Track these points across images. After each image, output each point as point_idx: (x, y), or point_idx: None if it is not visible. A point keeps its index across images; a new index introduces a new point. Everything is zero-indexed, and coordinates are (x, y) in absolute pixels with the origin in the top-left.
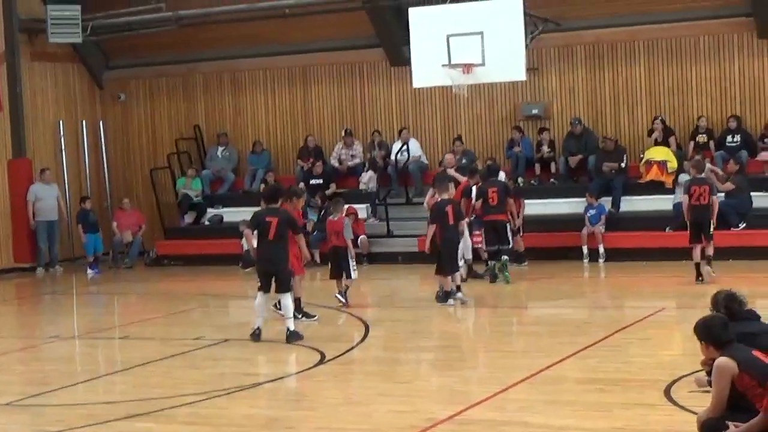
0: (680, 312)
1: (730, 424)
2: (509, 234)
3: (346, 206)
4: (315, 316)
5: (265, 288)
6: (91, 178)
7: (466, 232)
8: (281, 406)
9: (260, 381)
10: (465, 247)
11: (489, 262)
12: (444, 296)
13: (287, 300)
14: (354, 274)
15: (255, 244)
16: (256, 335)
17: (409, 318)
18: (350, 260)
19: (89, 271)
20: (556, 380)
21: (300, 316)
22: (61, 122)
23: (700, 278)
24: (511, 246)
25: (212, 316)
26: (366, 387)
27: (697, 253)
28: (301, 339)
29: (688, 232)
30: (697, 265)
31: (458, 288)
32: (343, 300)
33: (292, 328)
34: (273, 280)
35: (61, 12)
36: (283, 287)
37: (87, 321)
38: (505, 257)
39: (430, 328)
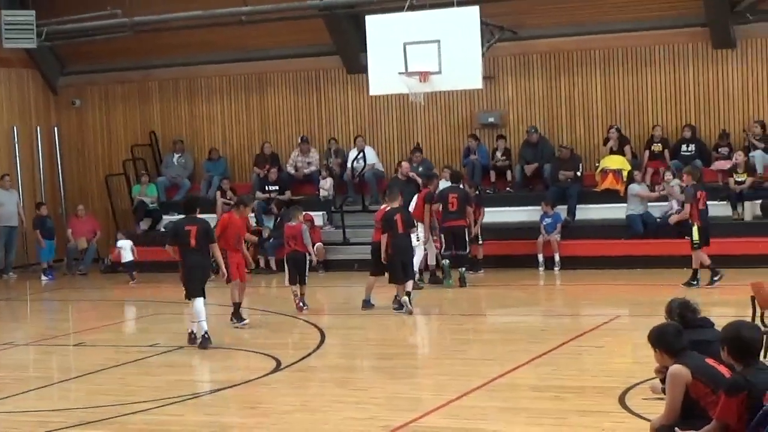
0: (634, 320)
1: (677, 430)
2: (467, 240)
3: (303, 213)
4: (245, 320)
5: (187, 294)
6: (46, 184)
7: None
8: (236, 413)
9: (215, 388)
10: (429, 253)
11: (444, 267)
12: (399, 304)
13: (199, 304)
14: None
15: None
16: (191, 339)
17: (364, 325)
18: (307, 266)
19: (44, 277)
20: (512, 387)
21: (236, 321)
22: (15, 128)
23: (719, 276)
24: (468, 252)
25: (167, 323)
26: (322, 394)
27: (706, 257)
28: (210, 344)
29: (697, 236)
30: (713, 269)
31: (408, 294)
32: (304, 305)
33: (204, 329)
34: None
35: (15, 17)
36: (194, 290)
37: (41, 328)
38: (465, 265)
39: (385, 335)
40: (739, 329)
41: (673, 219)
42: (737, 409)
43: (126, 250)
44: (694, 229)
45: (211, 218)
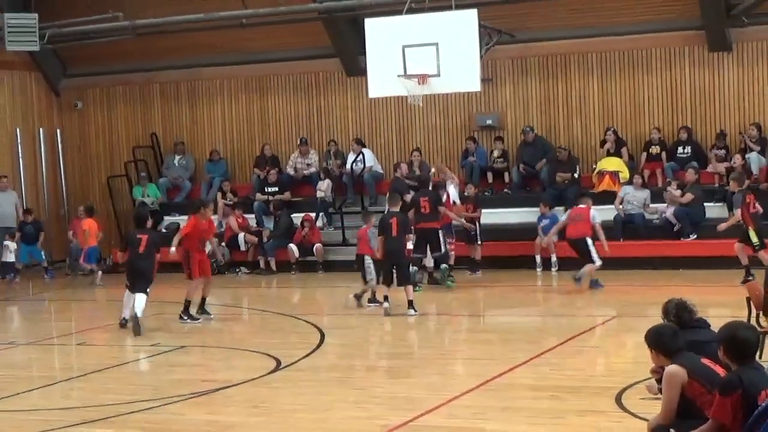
0: (631, 320)
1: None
2: (442, 241)
3: (373, 218)
4: (198, 319)
5: (131, 288)
6: (48, 185)
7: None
8: (237, 413)
9: (216, 387)
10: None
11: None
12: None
13: (141, 300)
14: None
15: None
16: (122, 324)
17: (364, 325)
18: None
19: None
20: (509, 387)
21: (186, 318)
22: (18, 130)
23: None
24: (443, 252)
25: (169, 323)
26: (321, 393)
27: None
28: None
29: (756, 239)
30: None
31: (410, 303)
32: (376, 303)
33: (139, 315)
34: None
35: (18, 20)
36: (141, 288)
37: (43, 327)
38: (444, 265)
39: (384, 335)
40: (735, 330)
41: (721, 227)
42: (732, 409)
43: (10, 251)
44: (751, 232)
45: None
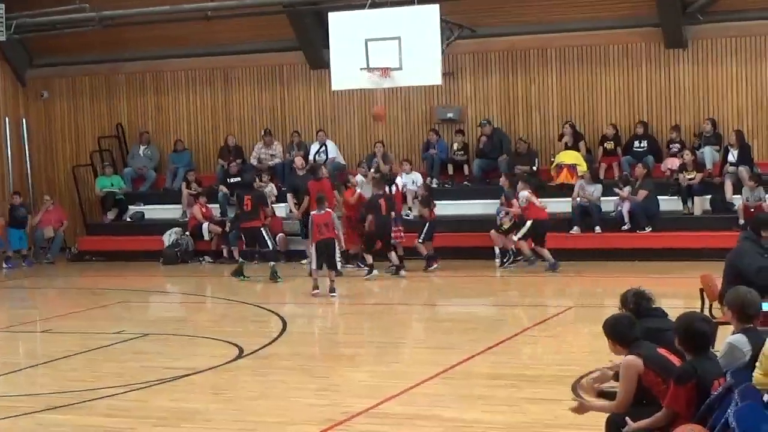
0: (587, 310)
1: (627, 420)
2: (266, 238)
3: (326, 202)
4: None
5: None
6: (14, 175)
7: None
8: (200, 399)
9: (179, 374)
10: None
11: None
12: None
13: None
14: (339, 266)
15: None
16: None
17: (325, 314)
18: (337, 252)
19: (4, 265)
20: (468, 375)
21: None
22: None
23: None
24: (271, 248)
25: (133, 310)
26: (283, 381)
27: None
28: None
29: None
30: None
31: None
32: (335, 294)
33: None
34: None
35: None
36: None
37: (8, 315)
38: (272, 262)
39: (346, 324)
40: (691, 321)
41: None
42: (686, 397)
43: None
44: None
45: (176, 209)
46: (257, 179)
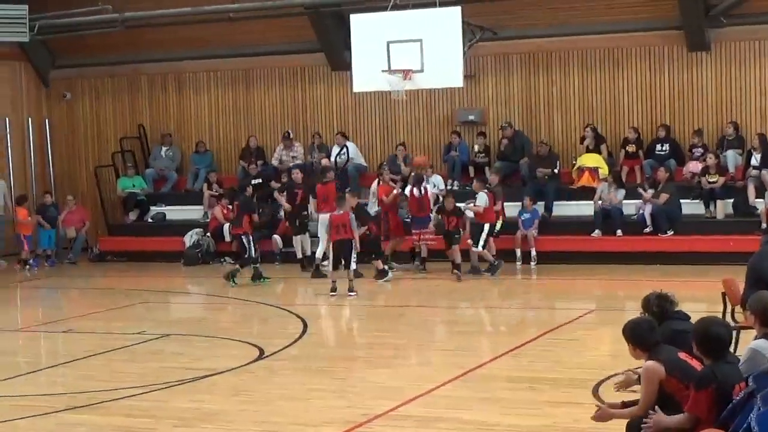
0: (608, 314)
1: (657, 409)
2: (245, 243)
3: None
4: None
5: None
6: (37, 175)
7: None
8: (220, 400)
9: (200, 375)
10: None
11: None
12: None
13: None
14: (354, 266)
15: None
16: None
17: (345, 316)
18: (353, 253)
19: (27, 265)
20: (488, 378)
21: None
22: (7, 119)
23: None
24: (247, 255)
25: (154, 311)
26: (303, 382)
27: None
28: None
29: None
30: None
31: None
32: (353, 294)
33: None
34: None
35: (8, 11)
36: None
37: (30, 314)
38: (237, 267)
39: (366, 325)
40: (708, 326)
41: None
42: (707, 402)
43: None
44: None
45: (198, 210)
46: (274, 181)
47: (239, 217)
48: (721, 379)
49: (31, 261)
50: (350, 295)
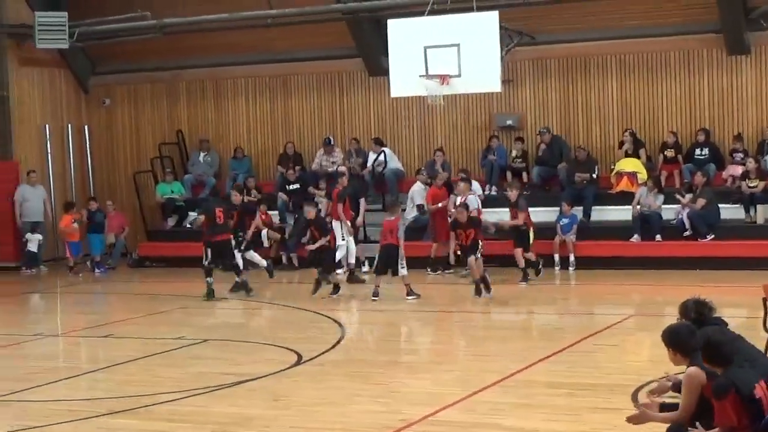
0: (647, 319)
1: (697, 424)
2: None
3: (401, 208)
4: None
5: None
6: (76, 180)
7: (351, 238)
8: (259, 405)
9: (239, 380)
10: (349, 252)
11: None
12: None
13: None
14: (403, 271)
15: None
16: None
17: (383, 321)
18: (401, 259)
19: (96, 271)
20: (527, 384)
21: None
22: (47, 126)
23: None
24: (233, 263)
25: (193, 316)
26: (341, 387)
27: None
28: None
29: None
30: None
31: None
32: (415, 295)
33: None
34: None
35: (48, 18)
36: None
37: (70, 319)
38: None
39: (404, 330)
40: (706, 336)
41: None
42: (733, 410)
43: (32, 242)
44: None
45: None
46: (313, 187)
47: (226, 224)
48: (738, 384)
49: (101, 269)
50: (409, 299)
